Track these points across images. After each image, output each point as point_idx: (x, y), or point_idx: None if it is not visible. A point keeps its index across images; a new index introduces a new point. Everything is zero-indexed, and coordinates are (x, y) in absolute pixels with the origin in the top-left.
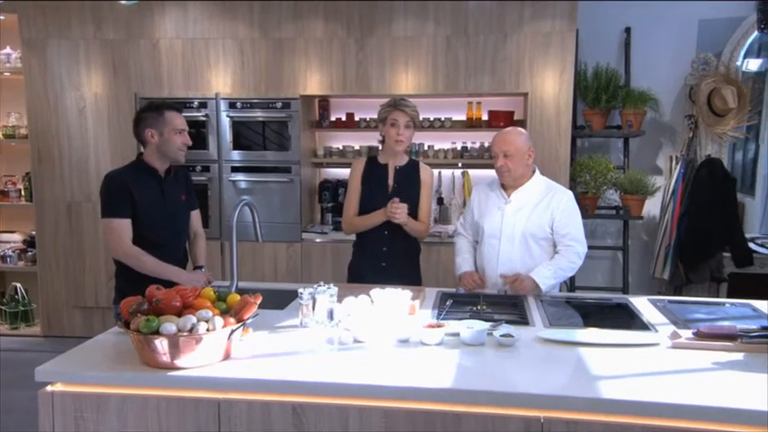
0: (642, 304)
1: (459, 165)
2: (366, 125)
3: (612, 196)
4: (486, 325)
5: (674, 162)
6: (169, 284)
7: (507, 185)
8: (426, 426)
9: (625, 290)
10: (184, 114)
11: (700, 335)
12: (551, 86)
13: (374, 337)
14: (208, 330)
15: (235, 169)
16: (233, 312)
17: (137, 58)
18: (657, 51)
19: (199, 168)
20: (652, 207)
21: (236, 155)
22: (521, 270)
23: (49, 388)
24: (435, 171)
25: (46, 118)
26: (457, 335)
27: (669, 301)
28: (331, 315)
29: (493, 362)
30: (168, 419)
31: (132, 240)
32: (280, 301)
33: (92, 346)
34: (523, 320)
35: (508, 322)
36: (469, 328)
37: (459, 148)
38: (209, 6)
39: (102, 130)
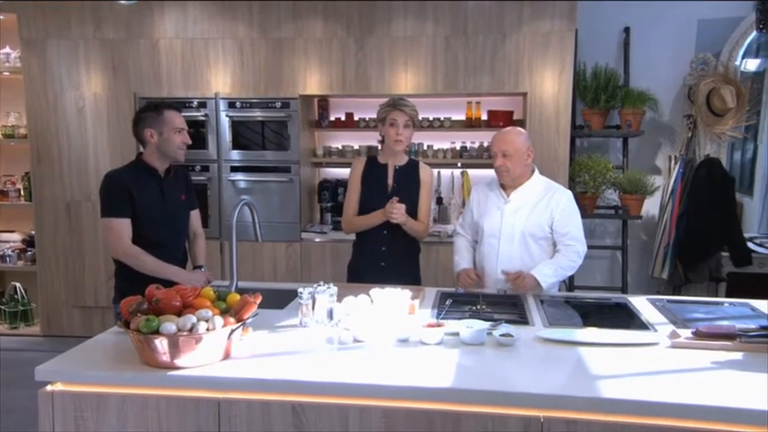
0: (641, 304)
1: (459, 164)
2: (365, 125)
3: (611, 196)
4: (486, 324)
5: (672, 162)
6: (169, 284)
7: (506, 185)
8: (426, 425)
9: (624, 289)
10: (184, 114)
11: (699, 334)
12: (550, 86)
13: (374, 336)
14: (208, 330)
15: (234, 169)
16: (233, 312)
17: (136, 57)
18: (656, 51)
19: (198, 168)
20: (651, 207)
21: (235, 155)
22: (520, 269)
23: (48, 387)
24: (434, 171)
25: (45, 118)
26: (456, 334)
27: (668, 301)
28: (331, 315)
29: (492, 361)
30: (168, 419)
31: (132, 240)
32: (279, 300)
33: (92, 345)
34: (523, 320)
35: (508, 322)
36: (469, 327)
37: (458, 147)
38: (208, 6)
39: (101, 129)
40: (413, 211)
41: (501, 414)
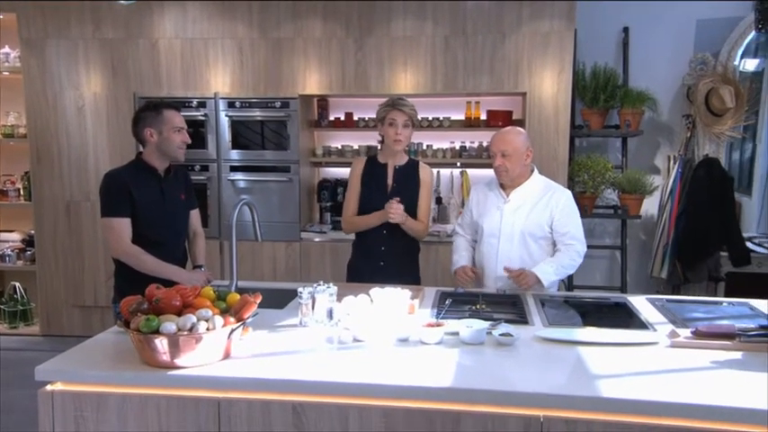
0: (641, 303)
1: (458, 164)
2: (365, 125)
3: (611, 196)
4: (486, 324)
5: (671, 162)
6: (169, 284)
7: (506, 185)
8: (426, 425)
9: (623, 289)
10: (183, 114)
11: (698, 334)
12: (550, 86)
13: (374, 336)
14: (208, 329)
15: (234, 169)
16: (233, 312)
17: (136, 57)
18: (655, 51)
19: (198, 168)
20: (650, 206)
21: (234, 154)
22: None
23: (48, 387)
24: (434, 170)
25: (45, 117)
26: (456, 334)
27: (667, 300)
28: (330, 314)
29: (492, 361)
30: (168, 418)
31: (132, 239)
32: (279, 300)
33: (91, 345)
34: (522, 320)
35: (507, 321)
36: (469, 327)
37: (457, 147)
38: (208, 6)
39: (101, 129)
40: (412, 211)
41: (501, 413)
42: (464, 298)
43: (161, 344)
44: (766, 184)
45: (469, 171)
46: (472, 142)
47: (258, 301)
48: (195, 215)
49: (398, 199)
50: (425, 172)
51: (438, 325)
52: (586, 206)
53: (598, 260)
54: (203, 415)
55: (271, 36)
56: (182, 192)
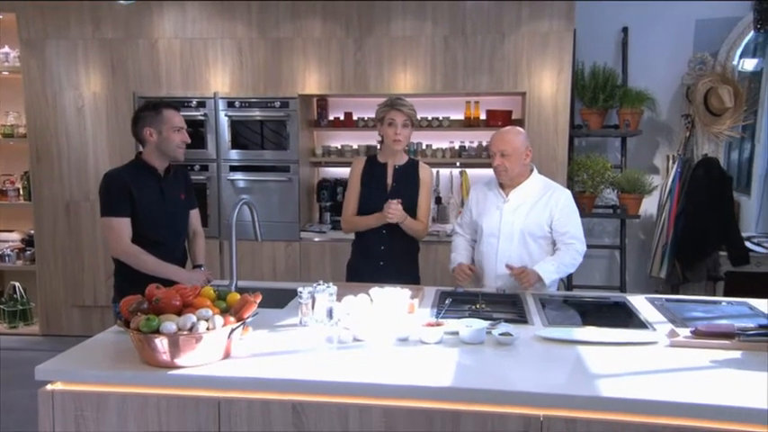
0: (640, 303)
1: (457, 164)
2: (364, 124)
3: (610, 195)
4: (485, 323)
5: (670, 161)
6: (169, 283)
7: (505, 185)
8: (426, 424)
9: (622, 288)
10: (183, 114)
11: (697, 333)
12: (549, 86)
13: (373, 335)
14: (208, 329)
15: (233, 168)
16: (233, 311)
17: (135, 57)
18: (654, 51)
19: (197, 168)
20: (649, 206)
21: (234, 154)
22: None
23: (48, 387)
24: (433, 170)
25: (44, 117)
26: (456, 333)
27: (667, 300)
28: (330, 314)
29: (492, 360)
30: (168, 418)
31: (132, 239)
32: (279, 299)
33: (91, 344)
34: (522, 319)
35: (507, 321)
36: (468, 326)
37: (456, 147)
38: (207, 6)
39: (100, 129)
40: (412, 211)
41: (501, 413)
42: (464, 297)
43: (161, 343)
44: (765, 183)
45: (469, 171)
46: (471, 142)
47: (258, 300)
48: (195, 215)
49: (399, 201)
50: (425, 172)
51: (438, 324)
52: (585, 206)
53: (597, 260)
54: (203, 414)
55: (270, 36)
56: (181, 191)
